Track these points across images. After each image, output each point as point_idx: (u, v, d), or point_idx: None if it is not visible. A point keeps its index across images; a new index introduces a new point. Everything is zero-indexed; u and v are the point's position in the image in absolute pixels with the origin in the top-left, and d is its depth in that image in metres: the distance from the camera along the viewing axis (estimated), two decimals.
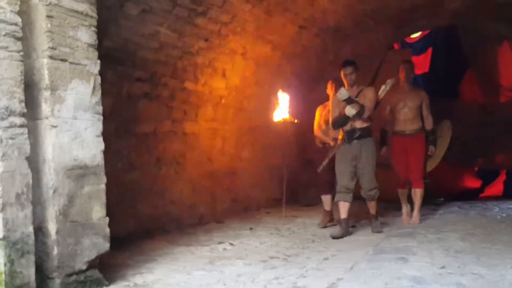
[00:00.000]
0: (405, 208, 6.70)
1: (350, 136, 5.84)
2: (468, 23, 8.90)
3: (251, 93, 7.65)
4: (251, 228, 6.40)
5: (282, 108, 6.81)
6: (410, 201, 6.65)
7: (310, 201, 8.51)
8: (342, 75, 5.89)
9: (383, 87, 6.04)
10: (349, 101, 5.66)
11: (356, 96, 5.77)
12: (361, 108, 5.67)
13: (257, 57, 7.22)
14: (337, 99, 5.85)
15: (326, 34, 7.75)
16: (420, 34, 9.99)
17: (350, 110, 5.67)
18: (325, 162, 6.17)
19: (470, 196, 9.37)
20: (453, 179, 9.73)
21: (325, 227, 6.49)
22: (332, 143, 6.37)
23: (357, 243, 5.33)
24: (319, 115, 6.75)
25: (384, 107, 6.52)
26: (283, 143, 7.71)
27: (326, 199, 6.64)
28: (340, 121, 5.86)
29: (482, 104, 9.79)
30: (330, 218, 6.64)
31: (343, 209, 5.88)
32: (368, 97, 5.86)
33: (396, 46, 10.08)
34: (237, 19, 6.23)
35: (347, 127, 5.88)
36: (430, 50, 10.11)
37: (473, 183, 10.06)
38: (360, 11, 7.48)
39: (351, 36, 8.12)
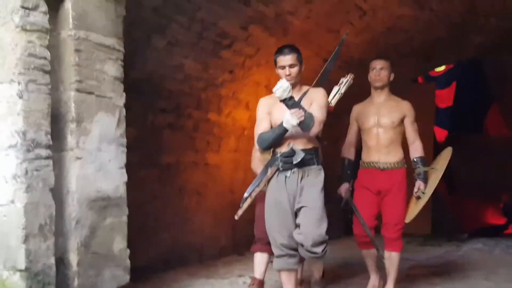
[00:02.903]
0: (373, 278, 4.54)
1: (286, 161, 3.69)
2: (493, 57, 8.85)
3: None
4: (271, 261, 6.34)
5: None
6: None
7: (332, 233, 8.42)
8: (277, 69, 3.79)
9: (335, 88, 4.24)
10: (291, 103, 3.54)
11: (298, 102, 3.67)
12: (308, 118, 3.55)
13: None
14: (267, 102, 3.87)
15: (350, 67, 7.75)
16: (445, 68, 9.97)
17: (289, 119, 3.50)
18: (245, 205, 4.01)
19: (495, 233, 9.20)
20: (477, 215, 9.58)
21: None
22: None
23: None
24: None
25: (350, 126, 4.63)
26: None
27: (258, 259, 4.50)
28: (273, 137, 3.68)
29: (508, 138, 9.68)
30: None
31: (289, 283, 3.82)
32: (317, 102, 3.72)
33: (420, 79, 10.06)
34: (262, 52, 6.29)
35: (283, 147, 3.72)
36: (454, 84, 10.08)
37: (498, 219, 9.89)
38: (384, 44, 7.49)
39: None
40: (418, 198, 4.40)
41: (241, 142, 7.17)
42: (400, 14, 6.71)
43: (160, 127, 5.73)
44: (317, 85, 3.99)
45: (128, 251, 3.84)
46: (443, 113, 10.15)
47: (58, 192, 3.38)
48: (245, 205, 3.98)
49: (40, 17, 3.24)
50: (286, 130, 3.58)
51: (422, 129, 7.68)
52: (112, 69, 3.75)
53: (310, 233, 3.62)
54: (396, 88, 6.02)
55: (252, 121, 7.15)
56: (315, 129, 3.63)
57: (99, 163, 3.62)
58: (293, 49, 3.81)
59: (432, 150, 7.62)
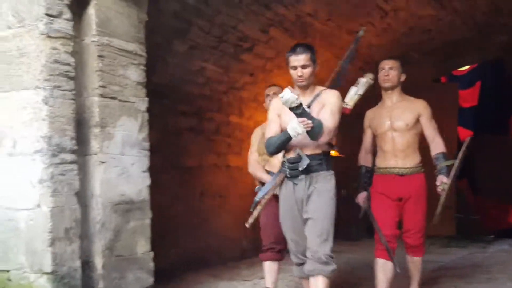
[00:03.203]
0: None
1: (293, 168, 3.52)
2: None
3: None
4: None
5: None
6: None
7: (356, 236, 8.38)
8: (289, 68, 3.58)
9: (352, 89, 3.87)
10: (299, 111, 3.30)
11: (309, 105, 3.48)
12: (316, 127, 3.33)
13: None
14: (278, 103, 3.56)
15: (370, 68, 7.74)
16: (468, 67, 9.86)
17: (295, 127, 3.31)
18: (256, 213, 3.76)
19: None
20: (502, 216, 9.46)
21: None
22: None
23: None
24: (256, 141, 4.53)
25: (364, 132, 4.39)
26: None
27: (267, 268, 4.32)
28: (278, 143, 3.50)
29: None
30: None
31: None
32: (329, 106, 3.50)
33: (443, 79, 9.97)
34: (282, 54, 6.26)
35: (290, 153, 3.56)
36: (478, 84, 9.97)
37: None
38: (406, 45, 7.45)
39: None
40: (443, 192, 4.07)
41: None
42: (422, 14, 6.67)
43: (181, 131, 5.78)
44: (332, 85, 3.76)
45: (151, 253, 3.88)
46: (467, 113, 10.05)
47: (82, 196, 3.44)
48: (255, 213, 3.76)
49: (64, 24, 3.30)
50: (290, 137, 3.40)
51: (446, 129, 7.65)
52: (135, 74, 3.80)
53: (314, 250, 3.43)
54: (418, 88, 5.93)
55: None
56: (324, 138, 3.42)
57: (122, 167, 3.67)
58: (307, 48, 3.56)
59: (456, 150, 7.54)
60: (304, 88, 3.55)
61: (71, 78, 3.33)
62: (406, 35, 7.17)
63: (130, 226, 3.71)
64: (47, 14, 3.21)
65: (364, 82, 3.90)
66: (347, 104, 3.79)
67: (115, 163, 3.61)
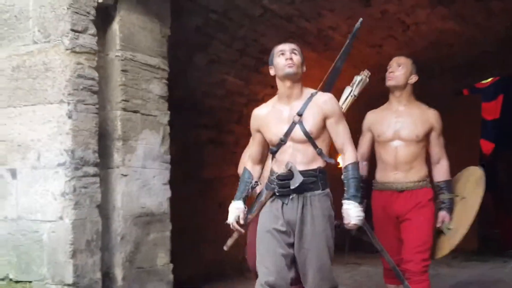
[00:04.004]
0: None
1: (283, 185, 2.92)
2: None
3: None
4: None
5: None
6: None
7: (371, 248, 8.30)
8: (275, 60, 2.99)
9: (347, 89, 3.43)
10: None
11: (300, 113, 2.93)
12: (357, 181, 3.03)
13: None
14: (257, 115, 3.11)
15: None
16: (491, 80, 9.78)
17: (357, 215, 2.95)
18: (235, 235, 3.23)
19: None
20: None
21: None
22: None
23: None
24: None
25: (362, 136, 3.71)
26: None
27: None
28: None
29: None
30: None
31: None
32: (334, 117, 2.96)
33: (465, 91, 9.91)
34: None
35: (281, 167, 2.96)
36: (501, 98, 9.89)
37: None
38: (427, 58, 7.41)
39: (417, 83, 8.06)
40: (442, 233, 3.54)
41: None
42: (443, 28, 6.64)
43: (202, 143, 5.81)
44: (325, 86, 3.29)
45: (171, 265, 3.91)
46: (490, 125, 9.96)
47: (104, 208, 3.49)
48: (235, 235, 3.23)
49: (88, 39, 3.36)
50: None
51: (468, 142, 7.59)
52: (157, 88, 3.85)
53: (315, 283, 2.92)
54: (441, 101, 5.85)
55: None
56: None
57: (143, 179, 3.71)
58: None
59: (478, 164, 7.45)
60: (293, 79, 2.98)
61: (94, 92, 3.39)
62: (427, 49, 7.13)
63: (150, 238, 3.75)
64: (73, 30, 3.28)
65: (359, 80, 3.44)
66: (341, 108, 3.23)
67: (136, 176, 3.66)
